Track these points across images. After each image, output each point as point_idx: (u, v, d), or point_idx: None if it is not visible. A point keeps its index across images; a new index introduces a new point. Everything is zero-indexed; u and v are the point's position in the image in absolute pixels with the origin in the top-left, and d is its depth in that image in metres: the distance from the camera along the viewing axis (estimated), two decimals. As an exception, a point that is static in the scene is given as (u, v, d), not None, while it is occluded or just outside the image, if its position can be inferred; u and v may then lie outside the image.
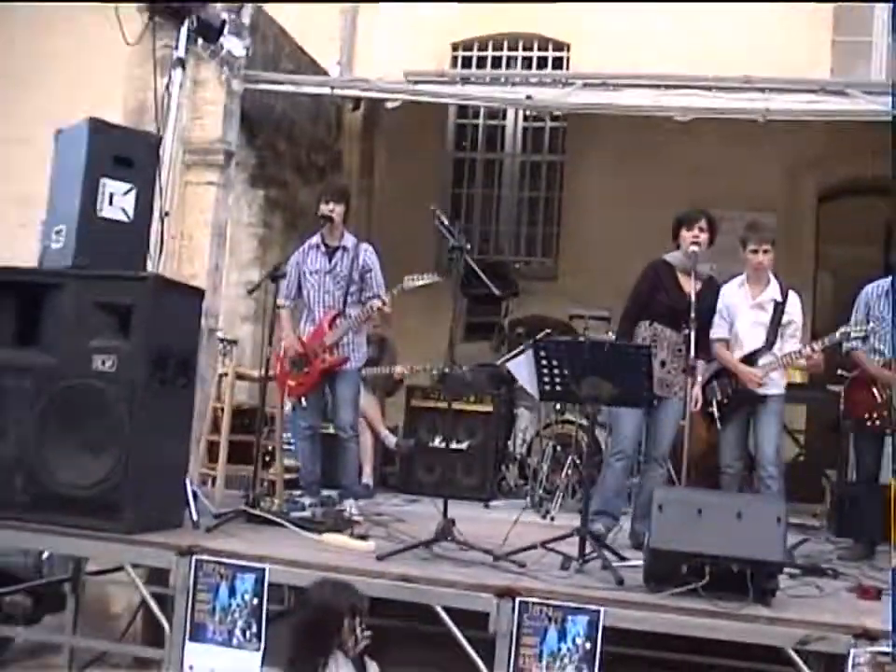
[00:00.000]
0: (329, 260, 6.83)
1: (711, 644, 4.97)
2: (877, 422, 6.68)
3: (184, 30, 6.22)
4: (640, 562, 5.27)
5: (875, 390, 6.70)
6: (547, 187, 11.68)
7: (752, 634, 4.73)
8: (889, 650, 4.51)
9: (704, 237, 6.43)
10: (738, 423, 6.65)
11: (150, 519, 5.57)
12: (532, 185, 11.73)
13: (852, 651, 4.55)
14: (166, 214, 6.08)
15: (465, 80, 10.11)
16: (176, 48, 6.25)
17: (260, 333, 8.51)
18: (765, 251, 6.54)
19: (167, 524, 5.69)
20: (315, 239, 6.91)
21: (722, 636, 4.77)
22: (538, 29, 11.46)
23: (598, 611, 4.74)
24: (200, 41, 6.77)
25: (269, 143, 9.12)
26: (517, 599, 4.82)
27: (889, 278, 6.90)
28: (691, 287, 6.28)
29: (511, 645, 4.80)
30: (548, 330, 8.96)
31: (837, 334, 6.62)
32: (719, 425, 6.69)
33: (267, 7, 8.95)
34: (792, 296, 6.69)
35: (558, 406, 8.42)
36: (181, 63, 6.26)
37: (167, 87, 6.24)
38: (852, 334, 6.66)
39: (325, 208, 6.76)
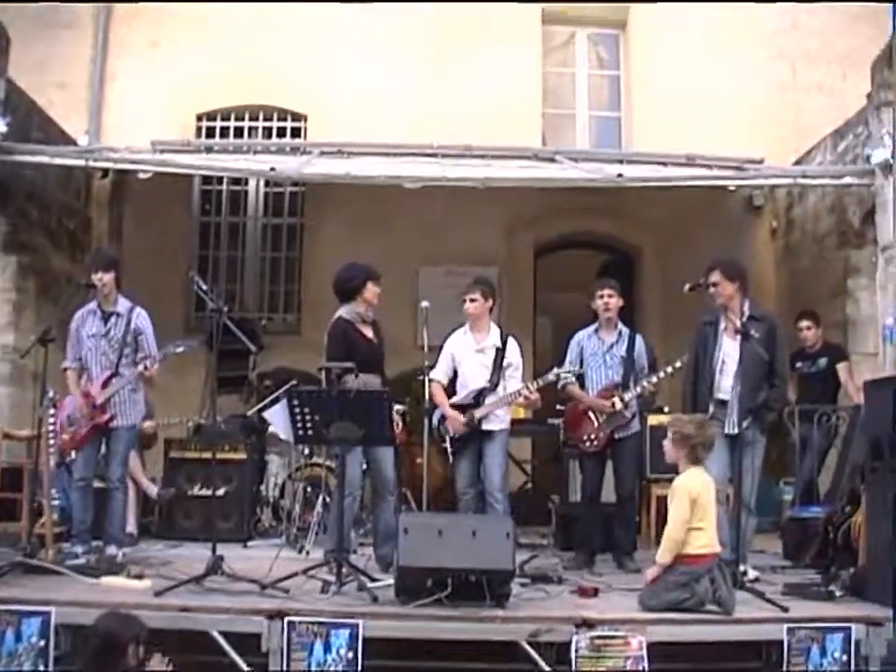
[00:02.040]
0: (105, 325, 7.24)
1: (461, 646, 5.61)
2: (595, 443, 7.69)
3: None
4: (391, 581, 6.03)
5: (591, 415, 7.70)
6: (288, 247, 12.09)
7: (491, 632, 5.56)
8: (604, 633, 5.44)
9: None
10: (469, 455, 7.49)
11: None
12: (274, 246, 12.08)
13: (574, 637, 5.45)
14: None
15: (209, 149, 10.52)
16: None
17: (18, 395, 8.86)
18: (472, 300, 7.58)
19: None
20: (93, 305, 7.31)
21: (466, 636, 5.54)
22: (277, 101, 11.96)
23: (357, 624, 5.43)
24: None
25: (20, 210, 9.23)
26: (286, 619, 5.45)
27: (595, 324, 7.91)
28: (370, 333, 7.19)
29: (283, 660, 5.40)
30: (294, 381, 9.56)
31: (550, 375, 7.61)
32: (451, 458, 7.53)
33: (19, 83, 9.22)
34: (511, 341, 7.70)
35: (307, 451, 8.94)
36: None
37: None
38: (562, 375, 7.64)
39: (94, 277, 7.19)
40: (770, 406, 7.07)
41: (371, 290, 7.25)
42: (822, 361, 9.20)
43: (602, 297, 7.78)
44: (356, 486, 7.14)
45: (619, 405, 7.57)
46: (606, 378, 7.77)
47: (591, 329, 7.93)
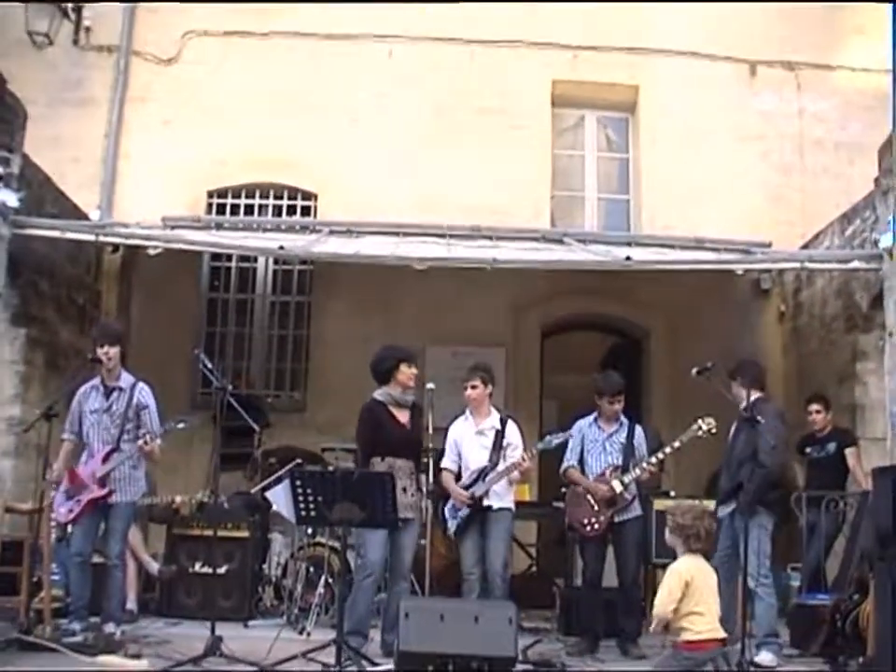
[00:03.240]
0: (107, 399, 7.25)
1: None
2: (595, 526, 7.69)
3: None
4: (391, 666, 5.96)
5: (590, 499, 7.73)
6: (295, 325, 12.08)
7: (492, 721, 5.49)
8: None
9: (415, 373, 7.42)
10: (473, 535, 7.49)
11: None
12: (281, 323, 12.08)
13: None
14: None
15: (219, 226, 10.66)
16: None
17: (21, 468, 8.83)
18: (473, 387, 7.65)
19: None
20: (96, 380, 7.32)
21: (465, 725, 5.49)
22: (287, 180, 12.07)
23: (355, 711, 5.40)
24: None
25: (31, 282, 9.25)
26: (286, 705, 5.44)
27: (596, 412, 8.03)
28: (405, 418, 7.17)
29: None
30: (299, 460, 9.51)
31: (541, 444, 7.75)
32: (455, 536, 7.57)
33: (33, 157, 9.35)
34: (510, 423, 7.78)
35: (310, 530, 8.80)
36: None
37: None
38: (553, 441, 7.74)
39: (100, 352, 7.22)
40: (751, 482, 7.13)
41: (404, 373, 7.32)
42: (831, 446, 9.14)
43: (612, 403, 7.92)
44: (376, 568, 7.11)
45: (618, 487, 7.63)
46: (605, 464, 7.86)
47: (591, 418, 8.08)
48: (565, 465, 7.98)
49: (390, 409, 7.29)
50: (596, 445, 7.92)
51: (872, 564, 6.79)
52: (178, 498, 8.79)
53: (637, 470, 7.68)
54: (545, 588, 9.60)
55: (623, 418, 8.03)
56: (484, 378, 7.72)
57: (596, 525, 7.69)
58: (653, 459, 7.69)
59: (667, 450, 7.68)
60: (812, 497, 8.79)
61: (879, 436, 9.18)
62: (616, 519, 7.71)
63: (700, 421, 7.46)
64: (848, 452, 9.03)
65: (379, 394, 7.36)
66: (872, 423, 9.41)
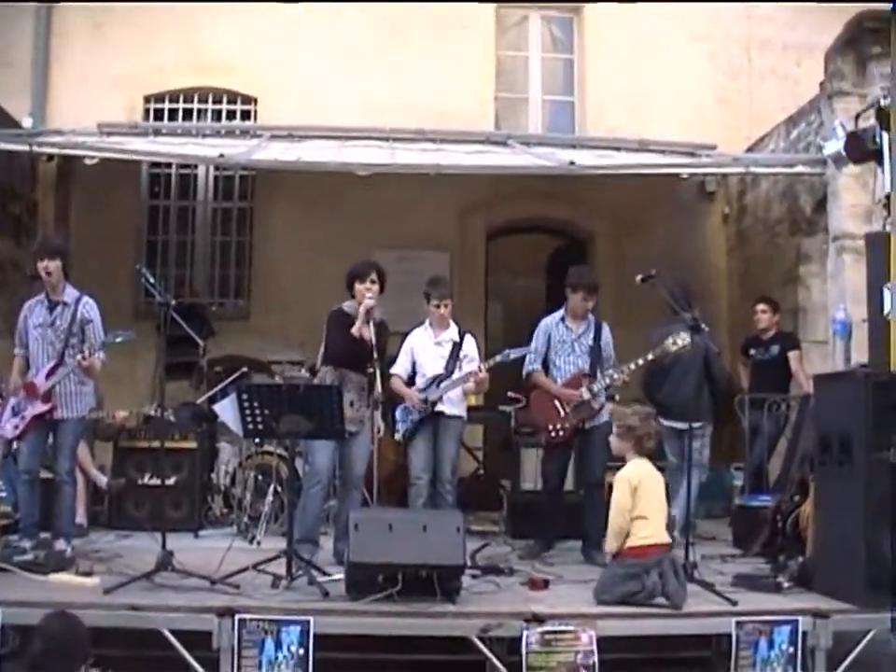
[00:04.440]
0: (51, 314, 7.11)
1: (413, 641, 5.64)
2: (561, 433, 7.60)
3: None
4: (341, 575, 5.98)
5: (557, 405, 7.63)
6: (238, 232, 11.97)
7: (441, 628, 5.56)
8: (554, 628, 5.46)
9: (375, 288, 7.20)
10: (424, 441, 7.53)
11: None
12: (224, 230, 11.95)
13: (524, 632, 5.46)
14: None
15: (157, 132, 10.47)
16: None
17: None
18: (445, 305, 7.61)
19: None
20: (41, 295, 7.18)
21: (416, 632, 5.54)
22: (227, 84, 11.82)
23: (308, 621, 5.42)
24: None
25: (-37, 195, 9.13)
26: (236, 616, 5.42)
27: (562, 310, 7.88)
28: (369, 332, 7.01)
29: (234, 658, 5.36)
30: (244, 369, 9.50)
31: (499, 356, 7.60)
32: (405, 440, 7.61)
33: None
34: (468, 337, 7.78)
35: (258, 439, 8.81)
36: None
37: None
38: (511, 355, 7.63)
39: (40, 265, 7.05)
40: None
41: (357, 289, 7.21)
42: (775, 349, 9.24)
43: (586, 300, 7.75)
44: (323, 475, 7.14)
45: (587, 395, 7.54)
46: (574, 367, 7.73)
47: (557, 316, 7.91)
48: (528, 367, 7.83)
49: (353, 320, 7.14)
50: (564, 346, 7.77)
51: (812, 466, 6.94)
52: (120, 414, 8.70)
53: (607, 378, 7.56)
54: (492, 491, 9.68)
55: (591, 317, 7.89)
56: (452, 294, 7.74)
57: (562, 432, 7.60)
58: (625, 369, 7.55)
59: (640, 361, 7.52)
60: (755, 399, 8.93)
61: (820, 339, 9.33)
62: (585, 425, 7.61)
63: (674, 336, 7.28)
64: (791, 355, 9.14)
65: (346, 305, 7.30)
66: (814, 326, 9.56)
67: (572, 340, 7.76)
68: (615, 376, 7.56)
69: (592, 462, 7.67)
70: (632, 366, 7.56)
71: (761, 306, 9.36)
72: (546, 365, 7.83)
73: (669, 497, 7.07)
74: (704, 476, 8.61)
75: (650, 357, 7.49)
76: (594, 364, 7.68)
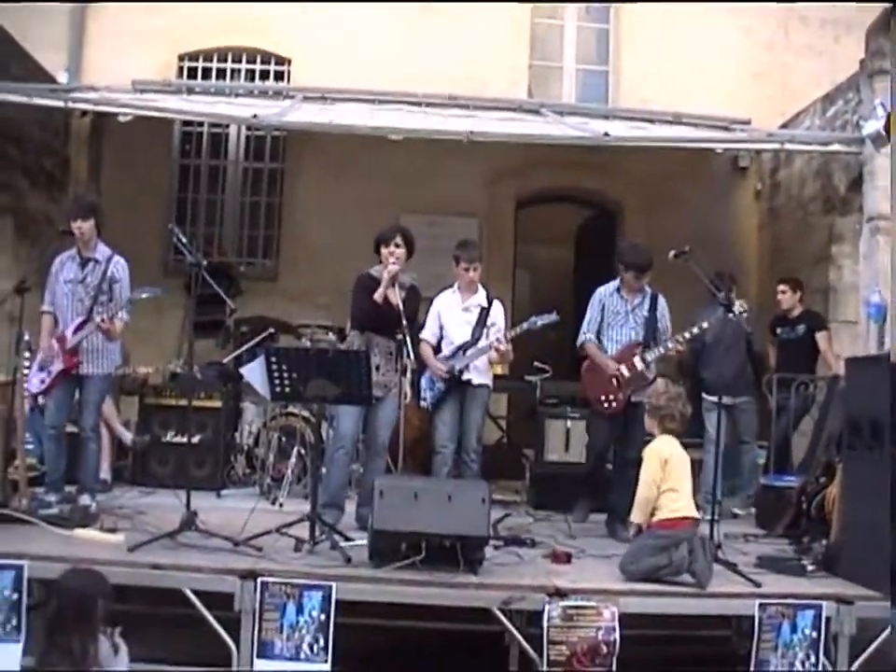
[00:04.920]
0: (82, 270, 7.15)
1: (432, 609, 5.67)
2: (614, 404, 7.44)
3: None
4: (364, 541, 5.98)
5: (612, 377, 7.45)
6: (268, 192, 11.96)
7: (463, 598, 5.58)
8: (576, 603, 5.46)
9: (400, 252, 7.12)
10: (450, 409, 7.48)
11: None
12: (254, 190, 11.94)
13: (546, 606, 5.47)
14: None
15: (190, 90, 10.41)
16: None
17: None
18: (474, 269, 7.55)
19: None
20: (73, 250, 7.21)
21: (438, 601, 5.56)
22: (261, 44, 11.79)
23: (330, 586, 5.44)
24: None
25: (-2, 148, 9.08)
26: (259, 579, 5.44)
27: (617, 280, 7.70)
28: (396, 297, 6.96)
29: (255, 621, 5.39)
30: (271, 330, 9.53)
31: (525, 324, 7.52)
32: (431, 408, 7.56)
33: (-5, 13, 9.02)
34: (496, 303, 7.71)
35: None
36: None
37: None
38: (538, 323, 7.52)
39: (73, 224, 7.07)
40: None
41: (383, 254, 7.16)
42: (801, 328, 9.16)
43: (639, 279, 7.56)
44: (348, 440, 7.13)
45: (640, 365, 7.38)
46: (627, 338, 7.58)
47: (612, 286, 7.72)
48: (582, 337, 7.69)
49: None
50: (618, 317, 7.59)
51: (839, 448, 6.91)
52: (142, 370, 8.78)
53: (662, 348, 7.41)
54: (515, 460, 9.70)
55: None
56: (482, 258, 7.67)
57: (614, 403, 7.43)
58: (680, 338, 7.38)
59: (695, 330, 7.35)
60: (782, 378, 8.89)
61: (851, 319, 9.25)
62: (633, 398, 7.38)
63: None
64: (819, 336, 9.06)
65: (374, 269, 7.25)
66: (844, 306, 9.48)
67: (626, 311, 7.59)
68: (669, 345, 7.40)
69: (634, 437, 7.28)
70: (686, 335, 7.37)
71: (781, 286, 9.28)
72: (599, 336, 7.68)
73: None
74: (755, 455, 8.86)
75: (704, 325, 7.33)
76: (648, 335, 7.52)
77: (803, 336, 9.15)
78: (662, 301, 7.68)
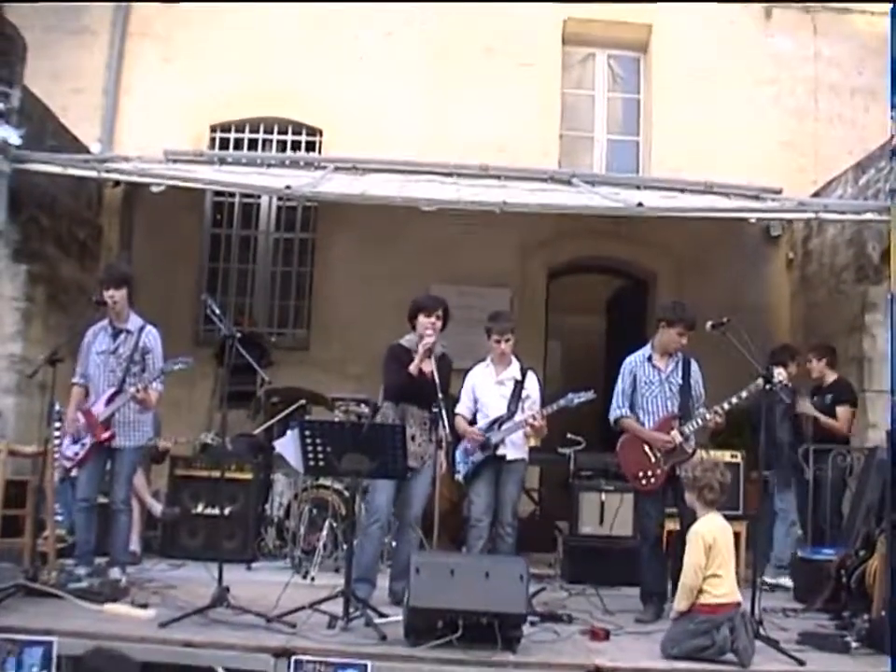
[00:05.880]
0: (114, 341, 7.17)
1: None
2: (652, 480, 7.17)
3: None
4: (400, 618, 5.90)
5: (646, 450, 7.22)
6: (299, 262, 11.97)
7: (500, 679, 5.44)
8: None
9: (438, 324, 7.11)
10: (485, 483, 7.37)
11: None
12: (285, 260, 11.98)
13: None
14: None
15: (222, 161, 10.46)
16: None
17: (24, 405, 8.77)
18: (507, 340, 7.47)
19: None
20: (104, 321, 7.24)
21: (475, 681, 5.43)
22: (292, 115, 11.87)
23: (366, 665, 5.34)
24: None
25: (32, 218, 9.10)
26: (293, 658, 5.35)
27: (647, 347, 7.50)
28: (430, 367, 6.92)
29: (290, 700, 5.32)
30: (302, 401, 9.53)
31: (562, 401, 7.38)
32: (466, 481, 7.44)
33: (33, 88, 9.15)
34: (531, 375, 7.61)
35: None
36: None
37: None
38: (575, 400, 7.39)
39: (106, 294, 7.11)
40: None
41: (421, 322, 7.11)
42: (828, 398, 9.00)
43: (682, 335, 7.31)
44: (382, 515, 7.06)
45: (678, 438, 7.13)
46: (663, 409, 7.30)
47: (643, 354, 7.48)
48: (617, 413, 7.40)
49: (413, 355, 7.08)
50: (652, 388, 7.32)
51: (878, 520, 6.76)
52: (163, 443, 8.80)
53: (699, 420, 7.15)
54: (547, 532, 9.57)
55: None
56: (514, 330, 7.56)
57: (653, 479, 7.16)
58: (718, 409, 7.10)
59: (734, 400, 7.02)
60: (818, 449, 8.77)
61: (885, 388, 9.11)
62: (677, 472, 6.93)
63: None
64: (839, 410, 8.90)
65: (405, 339, 7.24)
66: (879, 375, 9.32)
67: (660, 379, 7.33)
68: (707, 416, 7.13)
69: (683, 512, 6.79)
70: (725, 405, 7.09)
71: (808, 356, 9.19)
72: (632, 407, 7.43)
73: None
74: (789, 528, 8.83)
75: (743, 395, 7.00)
76: (683, 405, 7.26)
77: (830, 406, 9.00)
78: (694, 365, 7.43)
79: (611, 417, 7.50)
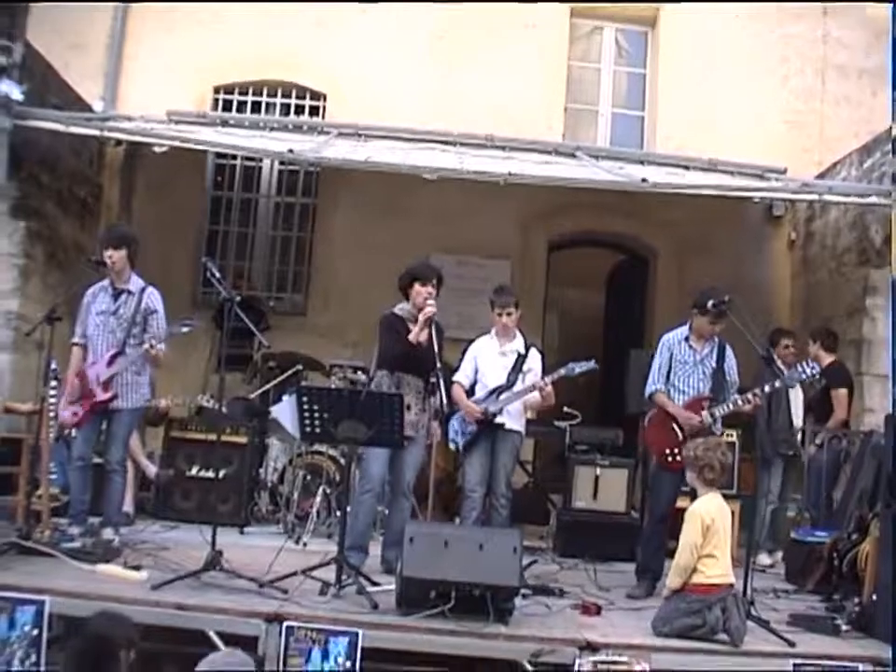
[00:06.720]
0: (115, 302, 7.10)
1: (460, 659, 5.54)
2: (678, 458, 6.91)
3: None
4: (392, 586, 5.90)
5: (675, 427, 7.14)
6: (299, 227, 11.94)
7: (493, 650, 5.47)
8: (607, 658, 5.34)
9: (433, 293, 7.06)
10: (481, 453, 7.36)
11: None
12: (285, 225, 11.94)
13: (577, 660, 5.36)
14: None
15: (225, 123, 10.40)
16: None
17: (20, 362, 8.73)
18: (508, 314, 7.45)
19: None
20: (105, 281, 7.17)
21: (468, 652, 5.45)
22: (296, 79, 11.80)
23: (357, 633, 5.33)
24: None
25: (31, 175, 9.06)
26: (284, 623, 5.35)
27: (686, 327, 7.36)
28: (433, 339, 6.83)
29: (279, 665, 5.29)
30: (299, 366, 9.50)
31: (563, 370, 7.36)
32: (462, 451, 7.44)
33: (36, 44, 9.07)
34: (533, 350, 7.62)
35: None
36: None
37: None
38: (576, 370, 7.37)
39: (104, 255, 7.04)
40: None
41: (417, 291, 7.06)
42: (822, 381, 8.99)
43: (714, 323, 7.17)
44: (376, 483, 7.04)
45: (708, 419, 7.05)
46: (695, 390, 7.23)
47: (680, 333, 7.37)
48: (652, 388, 7.32)
49: (408, 324, 7.07)
50: (686, 367, 7.24)
51: (872, 503, 6.76)
52: (163, 402, 8.71)
53: (731, 405, 7.02)
54: (540, 505, 9.58)
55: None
56: (517, 303, 7.55)
57: (679, 457, 6.83)
58: (750, 396, 6.91)
59: (766, 388, 6.84)
60: (815, 431, 8.77)
61: (883, 373, 9.13)
62: None
63: (804, 365, 6.80)
64: (833, 394, 8.89)
65: (399, 308, 7.21)
66: (877, 359, 9.35)
67: (695, 361, 7.25)
68: (739, 402, 6.98)
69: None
70: (759, 392, 6.89)
71: (810, 340, 9.20)
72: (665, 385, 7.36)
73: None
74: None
75: (777, 384, 6.88)
76: (715, 387, 7.18)
77: (823, 390, 8.98)
78: (730, 351, 7.33)
79: (646, 392, 7.42)
